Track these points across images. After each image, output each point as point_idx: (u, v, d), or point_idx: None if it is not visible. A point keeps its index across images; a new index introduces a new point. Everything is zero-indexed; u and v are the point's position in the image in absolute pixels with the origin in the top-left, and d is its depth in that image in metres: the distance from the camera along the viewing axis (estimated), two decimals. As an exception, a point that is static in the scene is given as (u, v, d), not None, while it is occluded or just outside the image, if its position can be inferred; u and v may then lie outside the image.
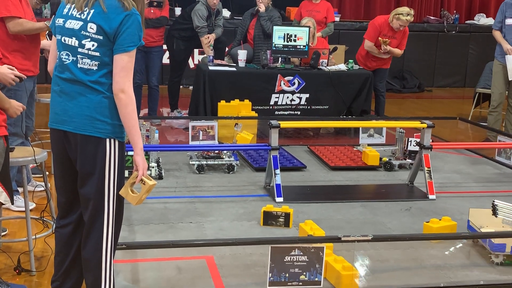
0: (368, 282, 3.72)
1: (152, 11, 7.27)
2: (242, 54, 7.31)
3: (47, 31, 4.72)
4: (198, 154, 5.79)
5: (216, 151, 5.76)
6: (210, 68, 7.15)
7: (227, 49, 8.21)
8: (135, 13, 2.80)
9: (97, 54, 2.79)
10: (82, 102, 2.82)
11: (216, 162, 5.75)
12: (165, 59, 8.91)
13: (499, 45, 7.20)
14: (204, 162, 5.69)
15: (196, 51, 10.13)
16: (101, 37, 2.77)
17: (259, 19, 7.53)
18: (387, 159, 6.03)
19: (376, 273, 3.83)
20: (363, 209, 4.93)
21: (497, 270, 3.90)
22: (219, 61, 7.45)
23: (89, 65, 2.80)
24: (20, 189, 4.57)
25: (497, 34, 7.20)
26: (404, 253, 4.09)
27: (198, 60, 9.98)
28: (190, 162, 5.73)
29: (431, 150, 5.31)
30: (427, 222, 4.40)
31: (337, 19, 8.60)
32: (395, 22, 7.27)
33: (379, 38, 7.33)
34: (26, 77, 3.76)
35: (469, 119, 8.48)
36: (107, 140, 2.84)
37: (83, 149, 2.84)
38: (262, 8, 7.52)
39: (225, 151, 5.79)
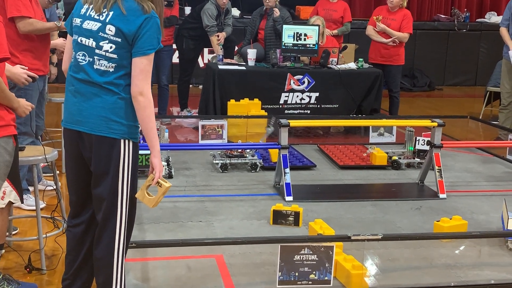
0: (378, 281, 3.71)
1: (162, 10, 7.27)
2: (251, 53, 7.31)
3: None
4: (222, 153, 5.80)
5: (239, 150, 5.77)
6: (220, 67, 7.15)
7: (236, 48, 8.21)
8: (155, 16, 2.79)
9: (115, 56, 2.78)
10: (97, 103, 2.81)
11: (239, 161, 5.76)
12: (175, 59, 8.92)
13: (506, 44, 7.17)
14: (228, 161, 5.70)
15: (205, 50, 10.14)
16: (119, 40, 2.77)
17: (274, 23, 7.50)
18: (397, 158, 6.01)
19: (386, 272, 3.82)
20: (373, 208, 4.91)
21: (507, 270, 3.88)
22: (228, 60, 7.45)
23: (106, 66, 2.80)
24: (31, 188, 4.59)
25: (504, 32, 7.16)
26: (415, 252, 4.08)
27: (208, 59, 9.97)
28: (214, 161, 5.75)
29: (441, 149, 5.29)
30: (437, 221, 4.38)
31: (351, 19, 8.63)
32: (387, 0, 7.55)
33: (373, 16, 7.49)
34: (38, 76, 3.78)
35: (480, 117, 8.44)
36: (122, 141, 2.84)
37: (98, 149, 2.84)
38: (277, 13, 7.49)
39: (248, 150, 5.79)
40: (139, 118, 2.82)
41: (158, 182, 2.86)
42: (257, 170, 5.70)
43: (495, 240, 4.24)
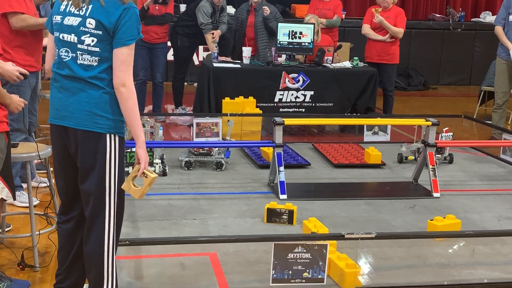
0: (372, 280, 3.71)
1: (157, 7, 7.25)
2: (246, 51, 7.30)
3: None
4: (187, 151, 5.74)
5: (206, 148, 5.73)
6: (215, 65, 7.14)
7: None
8: (133, 6, 2.80)
9: (97, 49, 2.79)
10: (83, 98, 2.82)
11: (205, 159, 5.72)
12: (170, 56, 8.90)
13: (502, 44, 7.16)
14: (193, 159, 5.66)
15: (200, 48, 10.13)
16: (100, 32, 2.77)
17: (266, 21, 7.49)
18: (413, 158, 6.03)
19: (379, 271, 3.82)
20: (367, 206, 4.92)
21: (501, 269, 3.89)
22: (223, 58, 7.44)
23: (89, 61, 2.80)
24: (24, 185, 4.57)
25: (499, 31, 7.15)
26: (408, 251, 4.08)
27: (203, 57, 9.97)
28: (179, 158, 5.71)
29: (435, 148, 5.30)
30: (431, 220, 4.38)
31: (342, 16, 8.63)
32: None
33: (371, 9, 7.53)
34: (29, 73, 3.76)
35: (474, 117, 8.45)
36: (108, 135, 2.84)
37: (84, 144, 2.84)
38: (267, 11, 7.49)
39: (216, 148, 5.74)
40: (122, 109, 2.81)
41: (143, 173, 2.86)
42: (222, 169, 5.66)
43: (489, 239, 4.25)
